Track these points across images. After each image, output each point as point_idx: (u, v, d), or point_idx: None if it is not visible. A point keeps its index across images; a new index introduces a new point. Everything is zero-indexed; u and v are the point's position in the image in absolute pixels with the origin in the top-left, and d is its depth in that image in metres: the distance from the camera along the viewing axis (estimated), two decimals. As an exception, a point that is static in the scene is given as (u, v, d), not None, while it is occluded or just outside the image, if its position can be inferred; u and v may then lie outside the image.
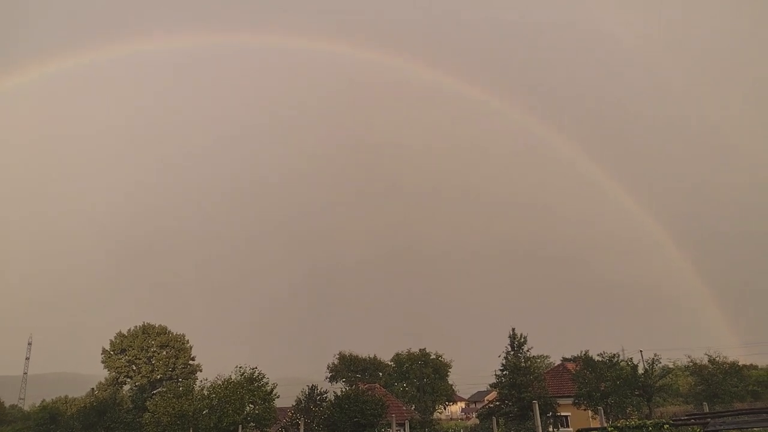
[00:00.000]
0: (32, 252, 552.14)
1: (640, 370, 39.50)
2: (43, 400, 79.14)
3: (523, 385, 39.62)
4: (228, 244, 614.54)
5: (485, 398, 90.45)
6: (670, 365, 55.18)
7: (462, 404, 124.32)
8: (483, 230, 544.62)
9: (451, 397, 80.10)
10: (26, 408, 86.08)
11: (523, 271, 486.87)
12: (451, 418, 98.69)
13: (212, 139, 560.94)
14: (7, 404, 78.36)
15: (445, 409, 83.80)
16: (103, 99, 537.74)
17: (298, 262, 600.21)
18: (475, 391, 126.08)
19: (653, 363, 39.58)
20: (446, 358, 75.27)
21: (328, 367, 77.29)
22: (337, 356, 77.97)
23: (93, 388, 69.77)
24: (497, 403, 42.23)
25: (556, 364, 58.62)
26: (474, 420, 73.44)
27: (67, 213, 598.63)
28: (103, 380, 69.08)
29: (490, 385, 52.61)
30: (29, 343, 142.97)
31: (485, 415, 43.27)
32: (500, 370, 42.67)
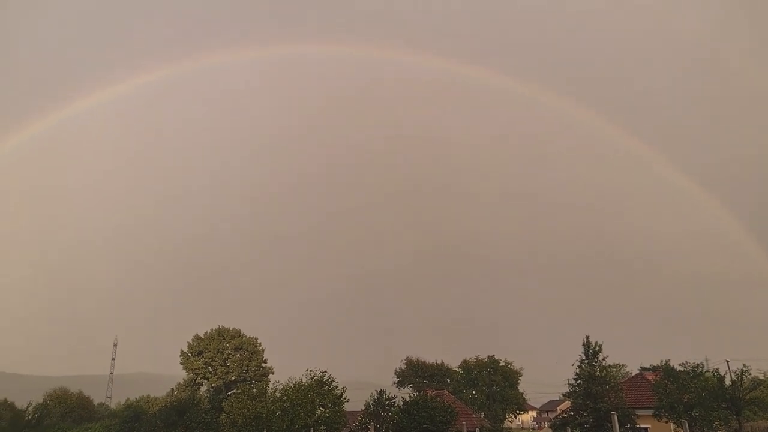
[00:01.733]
0: (117, 261, 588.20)
1: (727, 382, 37.18)
2: (128, 399, 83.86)
3: (599, 395, 38.11)
4: (295, 249, 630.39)
5: (558, 408, 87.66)
6: (761, 377, 51.52)
7: (533, 413, 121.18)
8: (551, 232, 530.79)
9: (522, 406, 78.14)
10: (113, 406, 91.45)
11: (596, 274, 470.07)
12: (522, 428, 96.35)
13: (269, 139, 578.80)
14: (95, 402, 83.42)
15: (515, 417, 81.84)
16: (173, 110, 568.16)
17: (364, 266, 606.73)
18: (547, 401, 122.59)
19: (742, 374, 37.13)
20: (516, 365, 73.69)
21: (395, 372, 77.40)
22: (404, 361, 77.94)
23: (173, 389, 73.04)
24: (571, 413, 40.82)
25: (633, 374, 56.01)
26: (546, 430, 71.35)
27: (146, 223, 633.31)
28: (181, 381, 72.20)
29: (563, 395, 50.92)
30: (114, 345, 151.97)
31: (559, 425, 41.89)
32: (574, 379, 41.25)
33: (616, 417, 18.99)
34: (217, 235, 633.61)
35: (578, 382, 40.44)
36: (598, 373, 39.69)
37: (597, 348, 41.05)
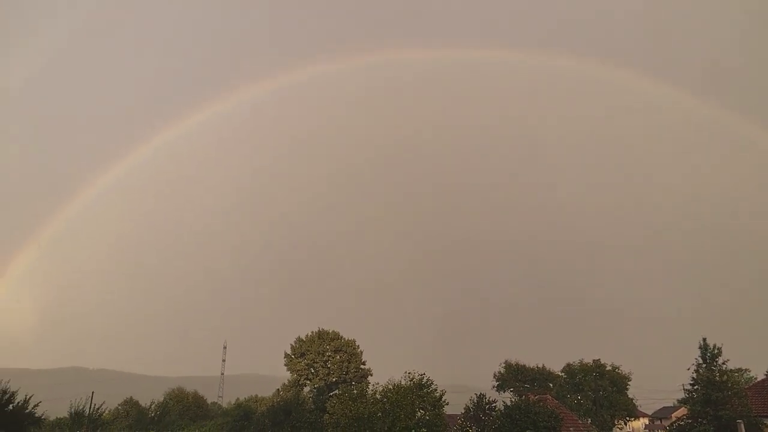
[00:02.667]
0: (226, 269, 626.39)
1: None
2: (237, 398, 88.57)
3: (720, 401, 35.29)
4: (390, 252, 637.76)
5: (672, 415, 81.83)
6: None
7: (645, 420, 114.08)
8: (663, 227, 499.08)
9: (632, 412, 73.82)
10: (224, 405, 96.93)
11: (714, 273, 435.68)
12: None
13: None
14: (208, 401, 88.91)
15: (625, 424, 77.43)
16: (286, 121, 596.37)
17: (460, 269, 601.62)
18: (660, 407, 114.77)
19: None
20: (624, 369, 69.81)
21: (495, 375, 75.90)
22: (503, 365, 76.25)
23: (278, 389, 76.20)
24: (689, 420, 38.10)
25: (759, 379, 51.18)
26: (661, 438, 66.96)
27: (251, 230, 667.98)
28: (286, 381, 75.18)
29: (679, 401, 47.63)
30: (224, 347, 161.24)
31: (675, 433, 39.24)
32: (690, 384, 38.58)
33: (743, 426, 17.40)
34: (317, 242, 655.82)
35: (695, 387, 37.83)
36: (717, 378, 36.84)
37: (716, 351, 38.17)
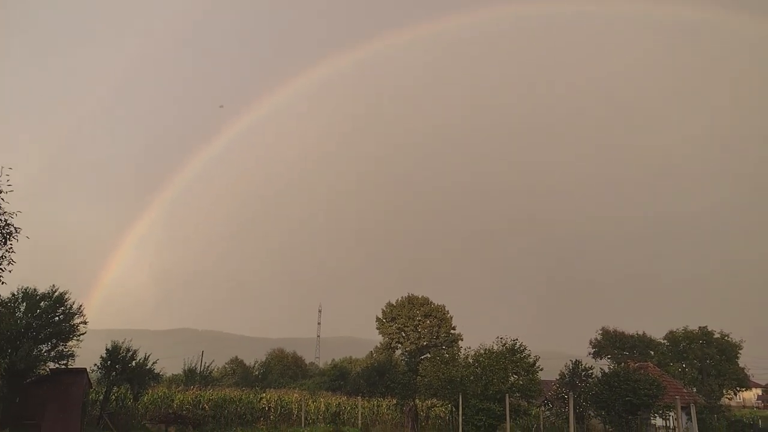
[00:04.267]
0: (320, 241, 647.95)
1: None
2: (333, 359, 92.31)
3: None
4: (485, 219, 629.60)
5: (790, 386, 76.00)
6: None
7: (758, 391, 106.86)
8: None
9: (744, 383, 69.22)
10: (321, 365, 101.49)
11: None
12: (744, 406, 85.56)
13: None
14: (306, 361, 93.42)
15: (735, 395, 72.87)
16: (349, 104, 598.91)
17: (551, 237, 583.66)
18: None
19: None
20: (734, 337, 65.34)
21: (591, 342, 73.64)
22: (600, 332, 73.73)
23: (371, 351, 78.54)
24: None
25: None
26: (776, 410, 62.48)
27: (346, 205, 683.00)
28: (378, 344, 77.26)
29: (798, 372, 43.93)
30: (319, 311, 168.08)
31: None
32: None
33: None
34: (409, 208, 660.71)
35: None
36: None
37: None
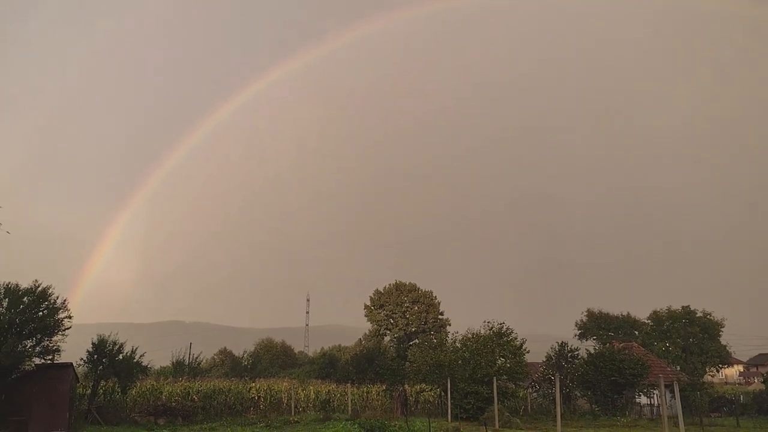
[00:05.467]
0: (308, 230, 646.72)
1: None
2: (322, 348, 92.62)
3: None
4: (470, 203, 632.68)
5: (770, 362, 77.79)
6: None
7: (739, 368, 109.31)
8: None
9: (726, 360, 70.74)
10: (310, 354, 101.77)
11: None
12: (726, 383, 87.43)
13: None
14: (296, 350, 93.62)
15: (718, 372, 74.41)
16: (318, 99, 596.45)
17: (535, 220, 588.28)
18: (756, 353, 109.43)
19: None
20: (716, 316, 66.61)
21: (577, 324, 74.63)
22: (585, 313, 74.73)
23: (360, 339, 78.91)
24: (790, 367, 35.97)
25: None
26: (758, 385, 63.93)
27: (333, 192, 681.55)
28: (367, 332, 77.60)
29: (778, 347, 44.97)
30: (307, 300, 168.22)
31: (774, 381, 37.23)
32: (792, 330, 36.17)
33: None
34: (394, 196, 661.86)
35: (798, 333, 35.42)
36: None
37: (823, 295, 35.38)
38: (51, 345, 25.61)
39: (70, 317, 26.41)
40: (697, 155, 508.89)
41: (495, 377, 29.09)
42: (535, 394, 40.40)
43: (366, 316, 75.97)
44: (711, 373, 70.88)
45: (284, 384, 39.83)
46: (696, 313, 66.20)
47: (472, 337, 35.56)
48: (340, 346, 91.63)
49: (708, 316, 66.25)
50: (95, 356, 28.58)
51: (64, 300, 26.49)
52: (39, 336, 25.29)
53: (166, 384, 35.08)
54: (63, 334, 26.15)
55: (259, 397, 36.13)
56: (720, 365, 70.48)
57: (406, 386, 37.44)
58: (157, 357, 40.99)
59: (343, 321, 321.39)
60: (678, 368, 55.45)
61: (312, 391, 38.53)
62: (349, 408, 35.42)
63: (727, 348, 69.57)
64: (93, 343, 28.97)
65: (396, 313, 72.94)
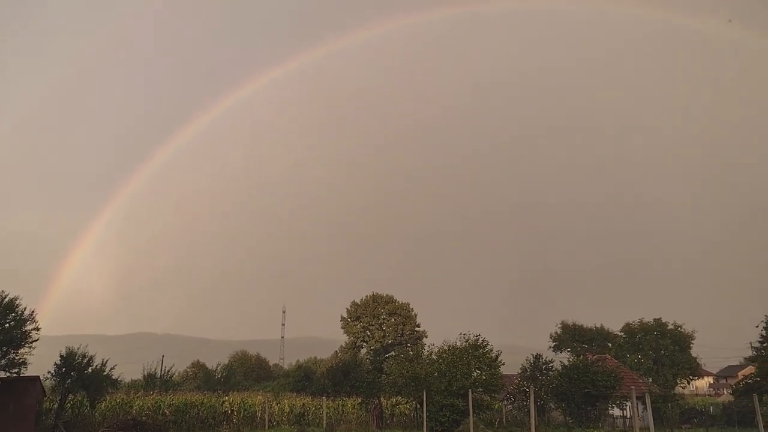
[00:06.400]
0: (284, 240, 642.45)
1: None
2: (298, 360, 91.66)
3: (792, 359, 33.87)
4: (445, 215, 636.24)
5: (739, 373, 79.38)
6: None
7: (709, 379, 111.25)
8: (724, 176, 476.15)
9: (696, 371, 71.96)
10: (285, 366, 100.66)
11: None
12: (697, 394, 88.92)
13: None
14: (270, 363, 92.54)
15: (689, 383, 75.63)
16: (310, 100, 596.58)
17: (512, 231, 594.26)
18: (726, 365, 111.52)
19: None
20: (687, 328, 67.83)
21: (551, 336, 75.27)
22: (560, 325, 75.43)
23: (336, 351, 78.36)
24: (757, 379, 36.86)
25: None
26: (726, 397, 65.11)
27: (309, 204, 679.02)
28: (343, 344, 77.12)
29: (746, 359, 46.03)
30: (283, 312, 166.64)
31: (743, 392, 38.05)
32: (759, 341, 37.17)
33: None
34: (371, 207, 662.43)
35: (765, 345, 36.42)
36: (789, 336, 35.33)
37: (788, 307, 36.44)
38: (17, 358, 24.97)
39: (38, 329, 25.81)
40: (686, 170, 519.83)
41: (470, 389, 29.13)
42: (510, 406, 40.57)
43: (342, 328, 75.53)
44: (682, 385, 72.00)
45: (258, 397, 39.32)
46: (667, 326, 67.28)
47: (448, 350, 35.56)
48: (315, 358, 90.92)
49: (679, 329, 67.38)
50: (63, 369, 27.88)
51: (32, 311, 25.89)
52: (5, 348, 24.64)
53: (137, 398, 34.38)
54: (30, 347, 25.53)
55: (232, 410, 35.61)
56: (691, 377, 71.63)
57: (382, 399, 37.26)
58: (128, 370, 40.19)
59: (319, 333, 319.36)
60: (650, 380, 56.26)
61: (286, 405, 38.12)
62: (324, 421, 35.12)
63: (698, 360, 70.80)
64: (61, 356, 28.28)
65: (372, 325, 72.69)
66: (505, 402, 40.39)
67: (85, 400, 28.98)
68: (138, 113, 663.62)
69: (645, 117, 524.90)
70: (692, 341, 67.79)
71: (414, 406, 35.56)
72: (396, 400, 38.78)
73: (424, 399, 29.84)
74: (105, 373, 28.93)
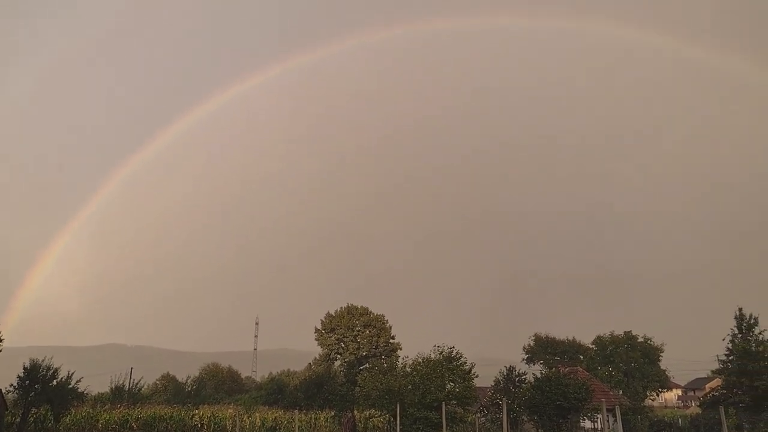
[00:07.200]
0: (256, 252, 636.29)
1: None
2: (270, 373, 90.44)
3: (756, 372, 34.71)
4: (418, 227, 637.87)
5: (706, 386, 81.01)
6: None
7: (678, 392, 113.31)
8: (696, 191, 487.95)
9: (665, 384, 73.21)
10: (258, 379, 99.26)
11: (755, 241, 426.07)
12: (666, 406, 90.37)
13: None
14: (243, 375, 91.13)
15: (658, 395, 76.84)
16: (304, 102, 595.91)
17: (487, 245, 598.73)
18: (694, 378, 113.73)
19: None
20: (656, 341, 69.09)
21: (524, 348, 75.89)
22: (533, 338, 76.11)
23: (310, 363, 77.57)
24: (723, 391, 37.64)
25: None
26: (694, 409, 66.28)
27: (289, 214, 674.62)
28: (317, 356, 76.44)
29: (713, 372, 46.94)
30: (256, 323, 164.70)
31: (710, 404, 38.81)
32: (725, 355, 37.98)
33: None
34: (344, 220, 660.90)
35: (731, 358, 37.22)
36: (753, 349, 36.18)
37: (752, 321, 37.40)
38: (-22, 370, 24.18)
39: (0, 340, 25.07)
40: (667, 189, 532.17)
41: (444, 402, 29.13)
42: (483, 418, 40.60)
43: (316, 339, 74.91)
44: (651, 397, 73.15)
45: (229, 411, 38.70)
46: (637, 338, 68.42)
47: (423, 362, 35.56)
48: (289, 370, 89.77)
49: (648, 341, 68.57)
50: (27, 382, 27.09)
51: (-5, 322, 25.14)
52: (-35, 361, 23.85)
53: (104, 411, 33.55)
54: (-8, 359, 24.75)
55: (202, 424, 34.97)
56: (660, 389, 72.82)
57: (356, 412, 36.99)
58: (95, 382, 39.18)
59: (293, 345, 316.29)
60: (620, 392, 56.97)
61: (258, 418, 37.55)
62: (296, 435, 34.69)
63: (667, 372, 72.08)
64: (25, 368, 27.46)
65: (347, 337, 72.24)
66: (479, 414, 40.42)
67: (49, 413, 28.14)
68: (118, 120, 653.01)
69: (640, 125, 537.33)
70: (661, 354, 69.05)
71: (387, 419, 35.36)
72: (370, 413, 38.55)
73: (398, 412, 29.73)
74: (70, 386, 28.20)
